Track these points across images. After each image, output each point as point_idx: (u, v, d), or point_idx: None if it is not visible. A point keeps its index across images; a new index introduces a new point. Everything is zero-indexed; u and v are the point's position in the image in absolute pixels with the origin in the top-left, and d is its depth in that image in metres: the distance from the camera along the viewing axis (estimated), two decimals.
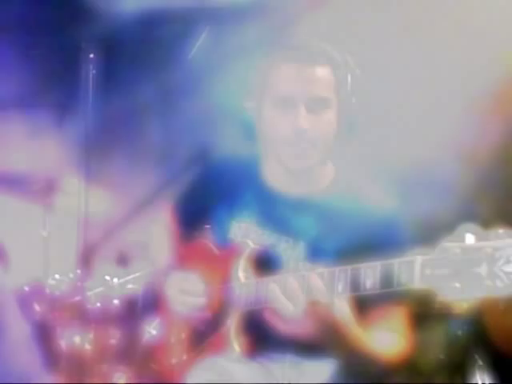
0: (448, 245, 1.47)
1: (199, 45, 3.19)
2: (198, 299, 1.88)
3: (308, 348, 1.78)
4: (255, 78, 1.89)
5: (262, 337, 1.79)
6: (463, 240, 1.46)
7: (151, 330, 2.42)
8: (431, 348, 2.65)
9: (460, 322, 2.65)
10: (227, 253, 1.90)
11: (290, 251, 1.85)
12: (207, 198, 1.97)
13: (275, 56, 1.86)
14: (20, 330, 1.66)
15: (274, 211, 1.90)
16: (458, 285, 1.44)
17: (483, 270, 1.42)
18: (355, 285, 1.61)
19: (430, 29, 2.70)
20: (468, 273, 1.43)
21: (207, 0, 3.21)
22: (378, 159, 2.41)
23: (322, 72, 1.83)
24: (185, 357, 1.94)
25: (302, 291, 1.65)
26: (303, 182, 1.90)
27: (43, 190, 3.08)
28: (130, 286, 2.90)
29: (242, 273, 1.86)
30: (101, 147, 3.02)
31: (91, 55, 2.96)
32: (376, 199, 1.87)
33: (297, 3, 2.85)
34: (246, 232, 1.91)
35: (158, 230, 2.16)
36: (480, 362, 2.60)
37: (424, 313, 2.01)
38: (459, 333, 2.67)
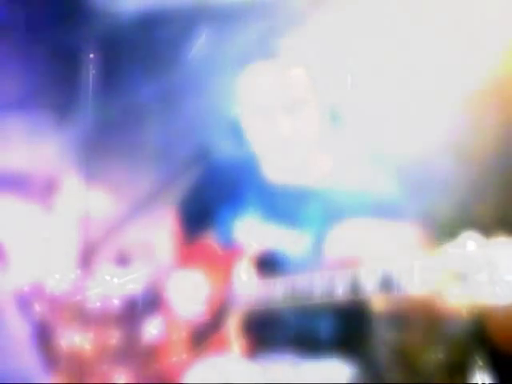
0: (449, 251, 1.48)
1: (199, 45, 3.19)
2: (199, 299, 1.89)
3: (308, 348, 1.79)
4: (236, 87, 1.90)
5: (262, 337, 1.79)
6: (464, 246, 1.47)
7: (152, 329, 2.41)
8: (431, 348, 2.65)
9: (460, 323, 2.65)
10: (230, 253, 1.91)
11: (295, 244, 1.86)
12: (210, 197, 1.97)
13: (248, 64, 1.87)
14: (19, 331, 1.66)
15: (278, 205, 1.90)
16: (457, 291, 1.45)
17: (483, 277, 1.42)
18: (355, 288, 1.61)
19: (431, 23, 2.70)
20: (468, 279, 1.44)
21: (207, 0, 3.21)
22: (376, 158, 2.41)
23: (294, 74, 1.84)
24: (185, 356, 1.94)
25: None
26: (302, 174, 1.91)
27: (43, 189, 3.08)
28: (129, 285, 2.90)
29: (244, 273, 1.86)
30: (101, 147, 3.02)
31: (91, 55, 2.97)
32: (377, 184, 1.87)
33: (297, 3, 2.85)
34: (249, 231, 1.91)
35: (161, 230, 2.16)
36: (480, 362, 2.60)
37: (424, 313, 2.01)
38: (459, 333, 2.67)
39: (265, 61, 1.84)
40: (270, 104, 1.82)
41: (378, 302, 1.76)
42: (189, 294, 1.90)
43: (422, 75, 2.71)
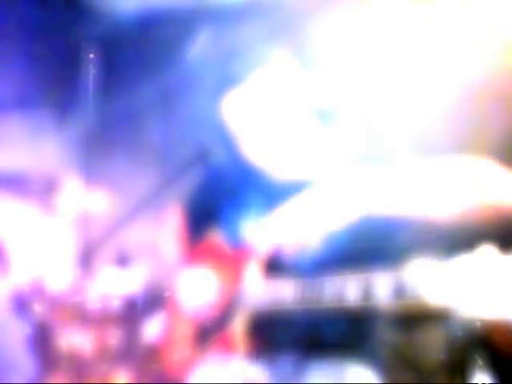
0: (464, 260, 1.48)
1: (199, 45, 3.19)
2: (206, 299, 1.89)
3: (314, 349, 1.79)
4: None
5: (268, 337, 1.79)
6: (480, 258, 1.47)
7: (153, 329, 2.41)
8: (431, 348, 2.65)
9: (460, 322, 2.65)
10: (238, 252, 1.90)
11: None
12: (215, 196, 1.97)
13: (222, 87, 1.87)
14: (18, 331, 1.66)
15: (283, 203, 1.90)
16: (469, 298, 1.45)
17: (493, 284, 1.42)
18: (367, 294, 1.61)
19: (432, 22, 2.70)
20: (479, 287, 1.44)
21: (207, 0, 3.21)
22: (377, 150, 2.41)
23: (264, 83, 1.84)
24: (188, 355, 1.94)
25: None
26: (305, 171, 1.91)
27: (43, 189, 3.08)
28: (130, 286, 2.90)
29: (252, 273, 1.86)
30: (101, 147, 3.02)
31: (91, 55, 2.97)
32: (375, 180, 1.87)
33: (298, 3, 2.85)
34: (256, 230, 1.91)
35: (166, 229, 2.16)
36: (480, 362, 2.59)
37: (424, 313, 2.01)
38: (459, 333, 2.67)
39: (254, 70, 1.84)
40: (262, 109, 1.82)
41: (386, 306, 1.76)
42: (195, 293, 1.90)
43: (420, 73, 2.71)
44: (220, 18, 3.15)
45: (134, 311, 2.85)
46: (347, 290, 1.63)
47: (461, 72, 2.68)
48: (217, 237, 1.93)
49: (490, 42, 2.64)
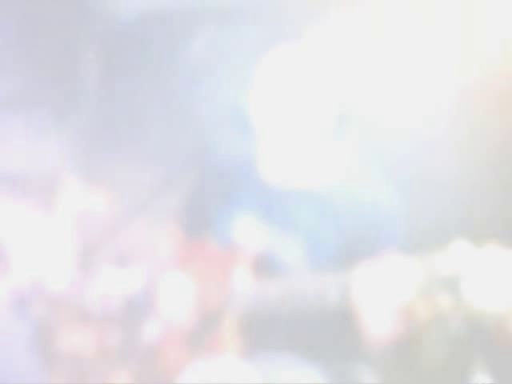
0: (438, 258, 1.49)
1: (199, 45, 3.19)
2: (194, 300, 1.89)
3: (305, 348, 1.79)
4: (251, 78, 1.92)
5: (259, 337, 1.80)
6: (454, 255, 1.48)
7: (150, 330, 2.41)
8: (431, 348, 2.65)
9: (460, 322, 2.65)
10: (228, 253, 1.91)
11: (290, 247, 1.86)
12: (208, 198, 1.98)
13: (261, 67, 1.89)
14: (18, 332, 1.66)
15: (275, 207, 1.91)
16: (446, 297, 1.46)
17: (471, 284, 1.43)
18: (347, 291, 1.62)
19: (431, 23, 2.70)
20: (456, 287, 1.45)
21: (207, 0, 3.22)
22: (376, 156, 2.42)
23: (309, 69, 1.85)
24: (183, 357, 1.94)
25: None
26: (300, 176, 1.91)
27: (43, 190, 3.08)
28: (129, 286, 2.90)
29: (242, 273, 1.87)
30: (101, 147, 3.02)
31: (91, 55, 2.97)
32: (375, 192, 1.88)
33: (298, 3, 2.85)
34: (247, 232, 1.92)
35: (161, 231, 2.17)
36: (480, 362, 2.60)
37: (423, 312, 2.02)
38: (459, 333, 2.67)
39: (283, 52, 1.85)
40: (282, 99, 1.83)
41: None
42: (184, 295, 1.90)
43: (421, 73, 2.71)
44: (220, 17, 3.16)
45: (133, 311, 2.86)
46: (329, 288, 1.65)
47: (461, 72, 2.68)
48: (209, 239, 1.93)
49: (490, 42, 2.64)
